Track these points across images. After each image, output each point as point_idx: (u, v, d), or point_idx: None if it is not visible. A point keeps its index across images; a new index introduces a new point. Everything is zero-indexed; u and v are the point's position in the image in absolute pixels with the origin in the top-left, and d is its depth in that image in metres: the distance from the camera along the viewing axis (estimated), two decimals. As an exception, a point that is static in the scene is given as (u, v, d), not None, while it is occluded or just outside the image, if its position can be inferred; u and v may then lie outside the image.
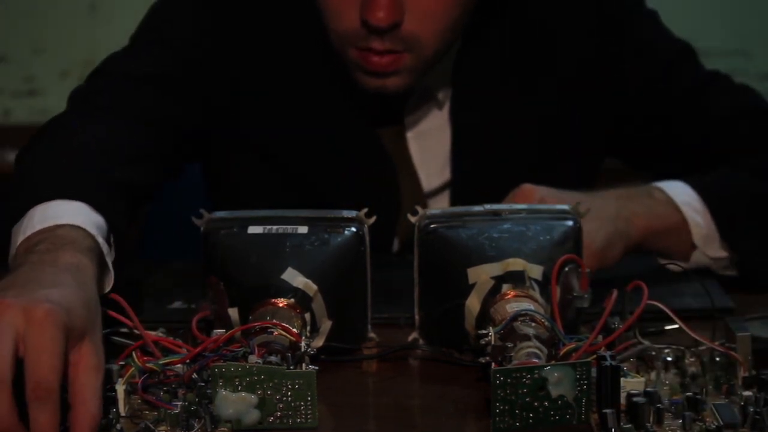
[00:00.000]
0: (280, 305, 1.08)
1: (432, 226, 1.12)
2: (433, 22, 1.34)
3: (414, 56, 1.35)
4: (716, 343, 1.06)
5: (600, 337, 1.03)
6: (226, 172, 1.53)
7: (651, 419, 0.95)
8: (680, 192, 1.36)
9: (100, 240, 1.10)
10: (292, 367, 0.98)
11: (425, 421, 1.02)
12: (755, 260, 1.35)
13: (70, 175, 1.17)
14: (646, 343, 1.08)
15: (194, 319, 1.09)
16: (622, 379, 0.98)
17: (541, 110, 1.47)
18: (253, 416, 0.96)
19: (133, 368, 1.01)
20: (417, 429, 1.01)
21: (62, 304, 0.92)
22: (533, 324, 1.01)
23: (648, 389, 0.98)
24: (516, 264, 1.09)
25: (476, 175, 1.47)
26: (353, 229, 1.13)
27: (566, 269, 1.09)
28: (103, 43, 1.50)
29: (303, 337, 1.03)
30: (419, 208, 1.14)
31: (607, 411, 0.94)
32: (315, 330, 1.10)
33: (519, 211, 1.14)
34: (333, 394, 1.03)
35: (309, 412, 0.97)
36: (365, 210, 1.14)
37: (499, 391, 0.94)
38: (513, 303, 1.05)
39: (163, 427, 0.96)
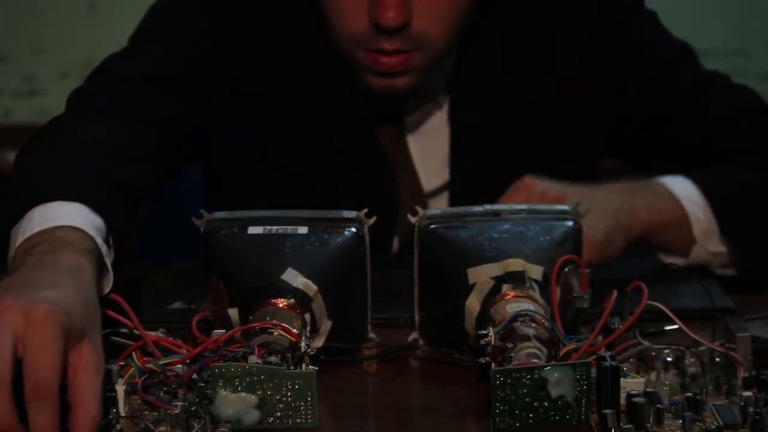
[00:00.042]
0: (280, 305, 1.08)
1: (432, 226, 1.12)
2: (441, 20, 1.34)
3: (423, 55, 1.36)
4: (716, 343, 1.06)
5: (600, 338, 1.03)
6: (226, 172, 1.53)
7: (651, 419, 0.95)
8: (681, 187, 1.36)
9: (99, 241, 1.10)
10: (292, 368, 0.98)
11: (425, 422, 1.02)
12: (753, 257, 1.35)
13: (69, 176, 1.18)
14: (646, 343, 1.08)
15: (194, 320, 1.09)
16: (622, 379, 0.98)
17: (541, 110, 1.47)
18: (253, 416, 0.96)
19: (133, 368, 1.01)
20: (417, 429, 1.01)
21: (61, 305, 0.93)
22: (533, 324, 1.01)
23: (648, 389, 0.98)
24: (516, 264, 1.09)
25: (475, 175, 1.47)
26: (353, 229, 1.13)
27: (566, 269, 1.09)
28: (103, 43, 1.50)
29: (303, 338, 1.03)
30: (419, 209, 1.14)
31: (607, 411, 0.94)
32: (315, 330, 1.10)
33: (519, 211, 1.14)
34: (333, 395, 1.03)
35: (309, 412, 0.97)
36: (365, 210, 1.14)
37: (499, 392, 0.94)
38: (513, 303, 1.05)
39: (163, 428, 0.96)
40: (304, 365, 1.00)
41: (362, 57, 1.36)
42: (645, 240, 1.33)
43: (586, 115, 1.48)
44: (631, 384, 0.98)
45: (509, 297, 1.07)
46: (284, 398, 0.96)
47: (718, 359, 1.05)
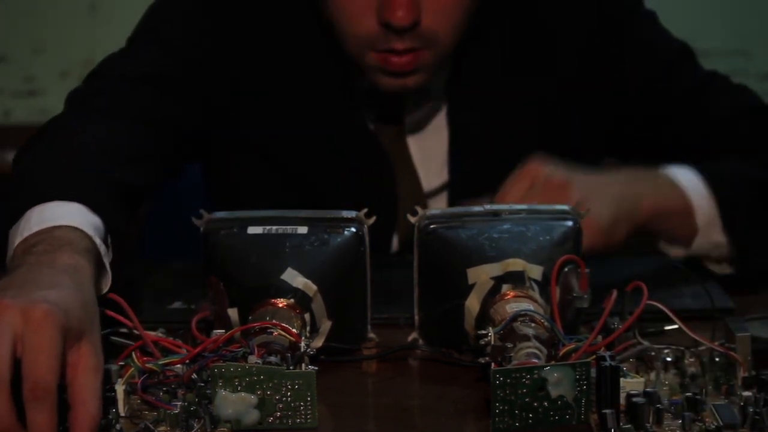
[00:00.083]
0: (280, 305, 1.08)
1: (432, 226, 1.12)
2: (449, 17, 1.35)
3: (432, 52, 1.36)
4: (716, 343, 1.06)
5: (599, 338, 1.03)
6: (225, 172, 1.53)
7: (650, 419, 0.95)
8: (685, 176, 1.35)
9: (98, 241, 1.10)
10: (291, 368, 0.98)
11: (425, 422, 1.02)
12: (752, 251, 1.35)
13: (68, 176, 1.18)
14: (646, 343, 1.08)
15: (194, 320, 1.09)
16: (621, 379, 0.98)
17: (541, 110, 1.47)
18: (252, 416, 0.96)
19: (132, 368, 1.01)
20: (417, 429, 1.01)
21: (60, 304, 0.93)
22: (533, 324, 1.01)
23: (647, 389, 0.98)
24: (516, 264, 1.09)
25: (474, 175, 1.47)
26: (353, 229, 1.13)
27: (566, 269, 1.09)
28: (103, 43, 1.50)
29: (303, 338, 1.03)
30: (419, 209, 1.14)
31: (607, 411, 0.94)
32: (315, 330, 1.10)
33: (519, 211, 1.14)
34: (333, 395, 1.03)
35: (309, 412, 0.97)
36: (365, 210, 1.14)
37: (498, 392, 0.94)
38: (513, 303, 1.05)
39: (162, 428, 0.96)
40: (303, 365, 1.00)
41: (372, 58, 1.36)
42: (648, 228, 1.33)
43: (585, 115, 1.48)
44: (631, 384, 0.98)
45: (509, 297, 1.07)
46: (284, 398, 0.96)
47: (717, 359, 1.05)
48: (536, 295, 1.07)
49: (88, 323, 0.95)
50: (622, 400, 0.97)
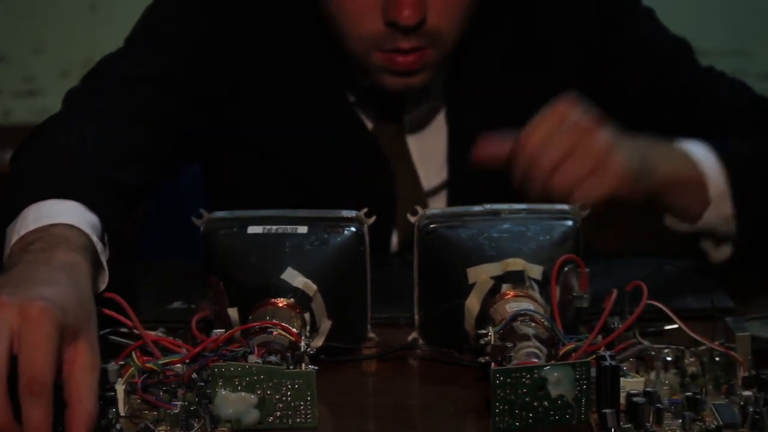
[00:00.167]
0: (280, 305, 1.08)
1: (432, 226, 1.12)
2: (453, 15, 1.35)
3: (437, 51, 1.36)
4: (716, 343, 1.06)
5: (600, 337, 1.04)
6: (225, 172, 1.53)
7: (651, 419, 0.95)
8: (698, 149, 1.34)
9: (95, 239, 1.10)
10: (291, 367, 0.98)
11: (425, 421, 1.02)
12: (760, 223, 1.34)
13: (65, 175, 1.18)
14: (646, 343, 1.08)
15: (194, 319, 1.09)
16: (621, 379, 0.98)
17: (539, 110, 1.47)
18: (252, 416, 0.96)
19: (132, 368, 1.01)
20: (417, 429, 1.01)
21: (57, 302, 0.93)
22: (533, 324, 1.01)
23: (648, 389, 0.98)
24: (516, 264, 1.09)
25: (473, 174, 1.47)
26: (353, 228, 1.13)
27: (566, 269, 1.09)
28: (103, 43, 1.50)
29: (303, 337, 1.03)
30: (419, 208, 1.14)
31: (607, 411, 0.94)
32: (315, 330, 1.10)
33: (519, 211, 1.14)
34: (333, 394, 1.03)
35: (309, 412, 0.97)
36: (365, 210, 1.14)
37: (498, 391, 0.94)
38: (513, 303, 1.05)
39: (162, 427, 0.96)
40: (303, 365, 1.00)
41: (377, 58, 1.36)
42: (661, 196, 1.30)
43: None
44: (631, 383, 0.98)
45: (509, 296, 1.07)
46: (284, 398, 0.96)
47: (717, 359, 1.05)
48: (536, 294, 1.07)
49: (84, 321, 0.95)
50: (622, 400, 0.97)
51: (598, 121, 1.23)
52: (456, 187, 1.48)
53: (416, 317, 1.15)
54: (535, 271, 1.09)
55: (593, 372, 0.97)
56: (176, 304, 1.28)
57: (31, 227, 1.08)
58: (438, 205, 1.48)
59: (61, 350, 0.91)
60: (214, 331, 1.07)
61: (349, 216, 1.14)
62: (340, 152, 1.47)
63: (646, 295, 1.05)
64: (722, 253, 1.36)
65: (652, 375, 1.05)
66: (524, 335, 0.99)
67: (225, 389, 0.96)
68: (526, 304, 1.04)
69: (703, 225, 1.34)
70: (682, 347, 1.08)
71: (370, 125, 1.47)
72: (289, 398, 0.96)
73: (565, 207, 1.14)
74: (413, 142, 1.48)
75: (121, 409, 0.99)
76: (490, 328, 1.01)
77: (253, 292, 1.09)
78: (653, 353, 1.07)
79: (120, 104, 1.35)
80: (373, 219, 1.14)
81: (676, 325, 1.07)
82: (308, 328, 1.08)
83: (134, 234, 1.84)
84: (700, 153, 1.33)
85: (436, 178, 1.49)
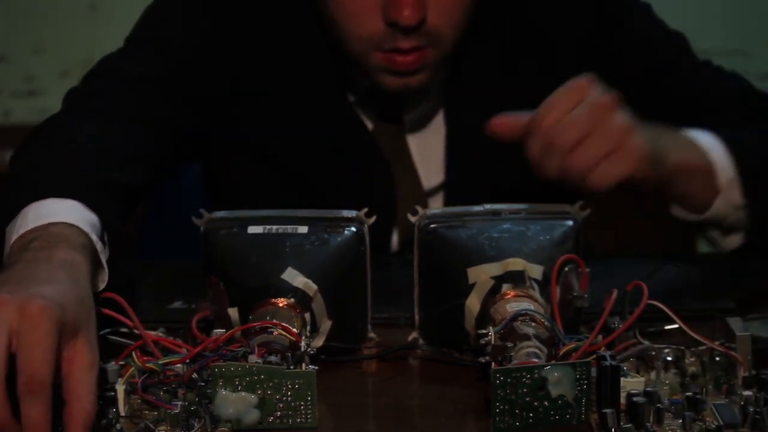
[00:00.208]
0: (280, 305, 1.08)
1: (432, 226, 1.12)
2: (453, 14, 1.35)
3: (437, 50, 1.36)
4: (716, 343, 1.06)
5: (600, 337, 1.04)
6: (225, 172, 1.53)
7: (651, 419, 0.95)
8: (704, 137, 1.33)
9: (94, 237, 1.10)
10: (292, 367, 0.98)
11: (425, 421, 1.02)
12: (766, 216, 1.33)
13: (64, 174, 1.18)
14: (646, 343, 1.08)
15: (194, 319, 1.09)
16: (622, 378, 0.98)
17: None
18: (253, 416, 0.96)
19: (133, 368, 1.01)
20: (417, 429, 1.01)
21: (56, 300, 0.93)
22: (533, 324, 1.01)
23: (648, 389, 0.98)
24: (516, 264, 1.09)
25: (470, 174, 1.47)
26: (353, 228, 1.13)
27: (566, 269, 1.09)
28: (103, 43, 1.50)
29: (303, 337, 1.03)
30: (419, 208, 1.14)
31: (607, 411, 0.94)
32: (315, 330, 1.10)
33: (519, 211, 1.14)
34: (333, 394, 1.03)
35: (309, 412, 0.97)
36: (365, 210, 1.14)
37: (499, 391, 0.94)
38: (513, 303, 1.05)
39: (163, 427, 0.96)
40: (304, 365, 1.00)
41: (377, 58, 1.36)
42: (671, 185, 1.29)
43: None
44: (631, 383, 0.98)
45: (509, 296, 1.07)
46: (284, 398, 0.96)
47: (718, 359, 1.05)
48: (536, 294, 1.07)
49: (83, 319, 0.95)
50: (623, 400, 0.97)
51: (616, 101, 1.21)
52: (453, 187, 1.48)
53: (416, 317, 1.15)
54: (536, 271, 1.09)
55: (593, 372, 0.97)
56: (176, 304, 1.28)
57: (31, 226, 1.09)
58: (438, 204, 1.48)
59: (60, 348, 0.91)
60: (215, 331, 1.07)
61: (350, 216, 1.14)
62: (340, 152, 1.47)
63: (646, 295, 1.05)
64: (731, 242, 1.35)
65: (653, 375, 1.05)
66: (524, 335, 0.99)
67: (225, 389, 0.96)
68: (526, 304, 1.04)
69: (712, 214, 1.32)
70: (682, 347, 1.08)
71: (370, 125, 1.47)
72: (289, 398, 0.96)
73: (565, 207, 1.14)
74: (413, 142, 1.48)
75: (121, 409, 0.99)
76: (491, 328, 1.01)
77: (253, 292, 1.09)
78: (653, 353, 1.07)
79: (120, 104, 1.35)
80: (373, 219, 1.14)
81: (676, 325, 1.07)
82: (308, 328, 1.08)
83: (134, 234, 1.84)
84: (708, 141, 1.32)
85: (436, 177, 1.49)
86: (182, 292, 1.29)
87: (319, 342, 1.11)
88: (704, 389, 1.01)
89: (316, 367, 0.98)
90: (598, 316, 1.05)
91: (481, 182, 1.46)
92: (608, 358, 0.97)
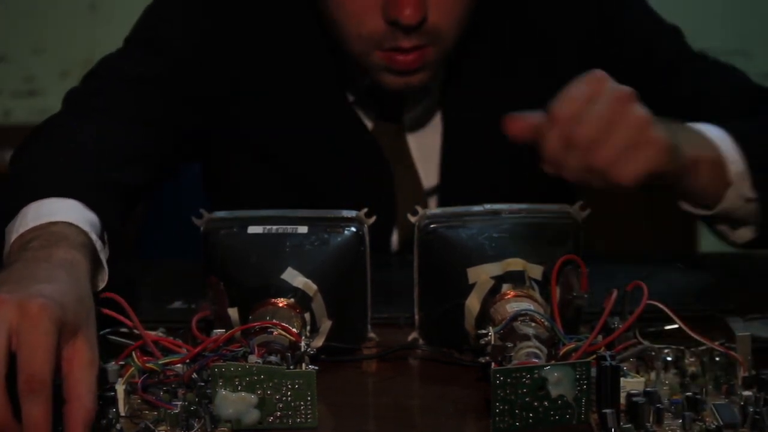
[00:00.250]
0: (280, 305, 1.08)
1: (432, 226, 1.12)
2: (453, 13, 1.35)
3: (437, 49, 1.36)
4: (716, 343, 1.06)
5: (600, 337, 1.04)
6: (225, 172, 1.53)
7: (651, 419, 0.95)
8: (712, 130, 1.31)
9: (94, 237, 1.10)
10: (291, 367, 0.98)
11: (425, 421, 1.02)
12: None
13: (64, 174, 1.18)
14: (646, 343, 1.08)
15: (194, 319, 1.09)
16: (621, 379, 0.98)
17: (533, 110, 1.47)
18: (252, 416, 0.96)
19: (132, 368, 1.01)
20: (417, 429, 1.01)
21: (56, 299, 0.93)
22: (533, 324, 1.01)
23: (648, 389, 0.98)
24: (516, 264, 1.09)
25: (465, 174, 1.47)
26: (353, 229, 1.13)
27: (566, 269, 1.09)
28: (103, 43, 1.50)
29: (303, 337, 1.03)
30: (419, 208, 1.14)
31: (607, 411, 0.94)
32: (315, 330, 1.10)
33: (519, 211, 1.14)
34: (333, 394, 1.03)
35: (309, 412, 0.97)
36: (365, 210, 1.14)
37: (499, 391, 0.94)
38: (513, 303, 1.05)
39: (163, 427, 0.96)
40: (303, 365, 1.00)
41: (377, 57, 1.36)
42: (681, 180, 1.26)
43: None
44: (631, 383, 0.98)
45: (509, 296, 1.07)
46: (284, 398, 0.96)
47: (718, 359, 1.05)
48: (536, 294, 1.07)
49: (83, 318, 0.95)
50: (623, 400, 0.97)
51: (633, 94, 1.17)
52: (448, 186, 1.47)
53: (416, 317, 1.15)
54: (535, 271, 1.09)
55: (593, 372, 0.97)
56: (176, 304, 1.28)
57: (31, 225, 1.09)
58: (437, 204, 1.48)
59: (60, 347, 0.91)
60: (214, 331, 1.07)
61: (349, 216, 1.14)
62: (340, 152, 1.47)
63: (646, 295, 1.05)
64: (742, 235, 1.33)
65: (652, 375, 1.05)
66: (524, 335, 0.99)
67: (225, 389, 0.96)
68: (526, 304, 1.04)
69: (723, 207, 1.30)
70: (682, 347, 1.08)
71: (369, 125, 1.47)
72: (289, 398, 0.96)
73: (565, 207, 1.14)
74: (413, 141, 1.49)
75: (121, 409, 0.99)
76: (491, 328, 1.01)
77: (253, 292, 1.09)
78: (653, 353, 1.07)
79: (119, 104, 1.35)
80: (373, 219, 1.14)
81: (676, 325, 1.07)
82: (308, 328, 1.08)
83: (134, 234, 1.84)
84: (716, 134, 1.30)
85: (435, 177, 1.49)
86: (182, 292, 1.29)
87: (319, 342, 1.11)
88: (704, 389, 1.01)
89: (316, 367, 0.98)
90: (598, 316, 1.05)
91: (476, 182, 1.46)
92: (608, 358, 0.97)
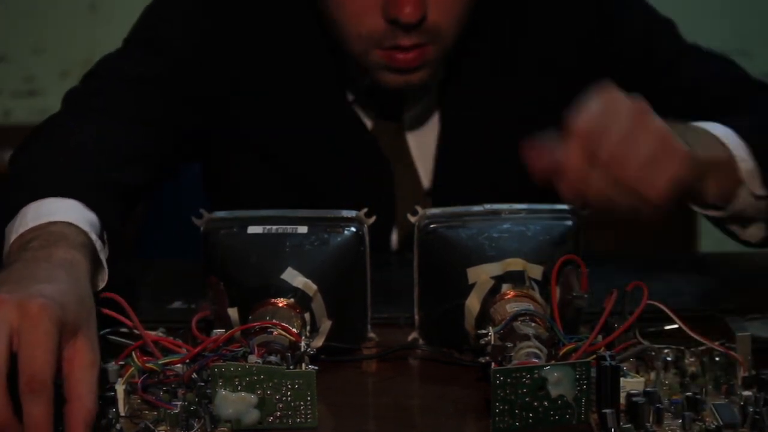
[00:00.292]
0: (280, 305, 1.08)
1: (432, 226, 1.12)
2: (453, 11, 1.35)
3: (437, 47, 1.36)
4: (716, 343, 1.06)
5: (600, 337, 1.04)
6: (225, 172, 1.53)
7: (651, 419, 0.95)
8: (718, 129, 1.28)
9: (93, 237, 1.10)
10: (291, 367, 0.98)
11: (425, 421, 1.02)
12: None
13: (63, 174, 1.18)
14: (646, 343, 1.08)
15: (194, 319, 1.09)
16: (621, 379, 0.98)
17: (540, 111, 1.47)
18: (252, 416, 0.96)
19: (132, 368, 1.01)
20: (417, 429, 1.01)
21: (56, 299, 0.93)
22: (533, 324, 1.01)
23: (648, 389, 0.98)
24: (516, 264, 1.09)
25: (460, 174, 1.47)
26: (353, 228, 1.13)
27: (566, 269, 1.09)
28: (103, 43, 1.50)
29: (303, 337, 1.03)
30: (419, 208, 1.14)
31: (607, 411, 0.94)
32: (315, 330, 1.10)
33: (519, 211, 1.14)
34: (333, 394, 1.03)
35: (309, 412, 0.97)
36: (365, 210, 1.14)
37: (498, 391, 0.94)
38: (513, 303, 1.05)
39: (162, 427, 0.96)
40: (303, 365, 1.00)
41: (377, 56, 1.36)
42: (696, 184, 1.22)
43: None
44: (631, 383, 0.98)
45: (509, 296, 1.07)
46: (284, 398, 0.96)
47: (717, 359, 1.05)
48: (536, 294, 1.07)
49: (84, 318, 0.95)
50: (622, 400, 0.97)
51: (648, 106, 1.14)
52: (441, 186, 1.47)
53: (416, 317, 1.15)
54: (535, 271, 1.09)
55: (593, 372, 0.97)
56: (176, 304, 1.28)
57: (30, 225, 1.09)
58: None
59: (60, 347, 0.91)
60: (214, 331, 1.07)
61: (349, 216, 1.14)
62: (340, 152, 1.47)
63: (646, 295, 1.05)
64: (753, 234, 1.31)
65: (652, 375, 1.05)
66: (524, 335, 0.99)
67: (225, 389, 0.96)
68: (526, 304, 1.04)
69: (736, 207, 1.28)
70: (682, 347, 1.08)
71: (369, 124, 1.47)
72: (289, 398, 0.96)
73: (565, 207, 1.14)
74: (412, 140, 1.49)
75: (121, 409, 0.99)
76: (490, 328, 1.01)
77: (253, 292, 1.09)
78: (653, 353, 1.07)
79: (119, 104, 1.35)
80: (373, 219, 1.14)
81: (676, 325, 1.07)
82: (308, 328, 1.08)
83: (134, 234, 1.84)
84: (722, 132, 1.28)
85: (431, 176, 1.49)
86: (182, 292, 1.29)
87: (319, 342, 1.11)
88: (704, 389, 1.01)
89: (316, 367, 0.98)
90: (598, 316, 1.05)
91: (471, 181, 1.46)
92: (608, 358, 0.97)
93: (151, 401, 0.99)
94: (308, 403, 0.97)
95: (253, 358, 0.98)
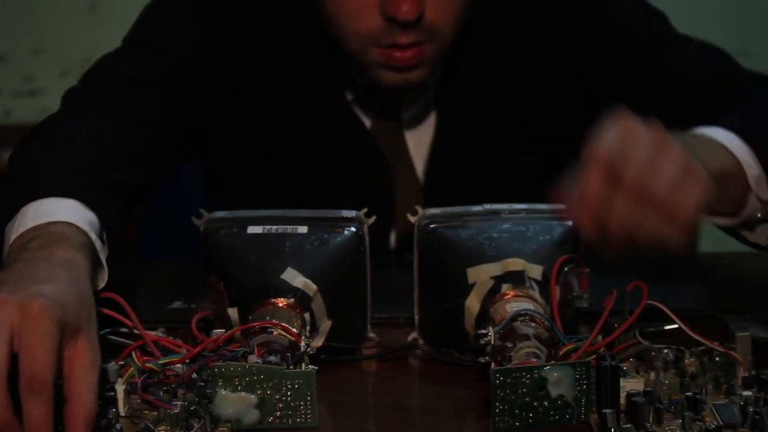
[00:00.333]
0: (280, 305, 1.08)
1: (432, 225, 1.12)
2: (451, 9, 1.35)
3: (435, 45, 1.36)
4: (716, 343, 1.06)
5: (600, 337, 1.04)
6: (225, 172, 1.53)
7: (650, 419, 0.95)
8: (722, 135, 1.25)
9: (93, 236, 1.10)
10: (291, 367, 0.98)
11: (425, 421, 1.02)
12: None
13: (63, 174, 1.18)
14: (646, 343, 1.08)
15: (194, 319, 1.09)
16: (621, 379, 0.98)
17: (528, 109, 1.47)
18: (252, 416, 0.96)
19: (132, 368, 1.01)
20: (417, 429, 1.01)
21: (57, 299, 0.93)
22: (533, 324, 1.01)
23: (647, 389, 0.98)
24: (516, 264, 1.09)
25: (454, 173, 1.47)
26: (353, 228, 1.13)
27: (566, 269, 1.09)
28: (103, 43, 1.50)
29: (303, 337, 1.03)
30: (419, 208, 1.14)
31: (607, 411, 0.94)
32: (315, 330, 1.10)
33: (519, 211, 1.14)
34: (333, 394, 1.03)
35: (309, 412, 0.97)
36: (365, 210, 1.14)
37: (498, 391, 0.94)
38: (513, 303, 1.05)
39: (162, 427, 0.96)
40: (303, 365, 1.00)
41: (375, 54, 1.36)
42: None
43: (570, 116, 1.47)
44: (631, 383, 0.98)
45: (509, 296, 1.07)
46: (284, 398, 0.96)
47: (717, 359, 1.05)
48: (536, 294, 1.07)
49: (84, 318, 0.95)
50: (622, 400, 0.97)
51: (666, 133, 1.11)
52: (433, 184, 1.47)
53: (416, 317, 1.15)
54: (535, 271, 1.09)
55: (593, 372, 0.97)
56: (176, 304, 1.28)
57: (30, 225, 1.09)
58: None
59: (61, 348, 0.91)
60: (214, 331, 1.07)
61: (349, 216, 1.14)
62: (340, 151, 1.47)
63: (646, 295, 1.05)
64: (762, 236, 1.30)
65: (652, 375, 1.05)
66: (524, 335, 0.99)
67: (225, 389, 0.96)
68: (526, 304, 1.04)
69: (747, 214, 1.26)
70: (682, 347, 1.08)
71: (368, 123, 1.47)
72: (289, 398, 0.96)
73: (565, 207, 1.14)
74: (411, 139, 1.49)
75: (121, 409, 0.99)
76: (490, 328, 1.01)
77: (253, 292, 1.09)
78: (653, 353, 1.07)
79: (118, 104, 1.35)
80: (372, 219, 1.14)
81: (676, 325, 1.07)
82: (308, 328, 1.08)
83: (134, 234, 1.84)
84: (727, 138, 1.25)
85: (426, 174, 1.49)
86: (182, 292, 1.29)
87: (318, 342, 1.11)
88: (704, 389, 1.01)
89: (316, 367, 0.98)
90: (598, 316, 1.05)
91: (464, 180, 1.46)
92: (608, 358, 0.97)
93: (151, 401, 0.99)
94: (308, 403, 0.97)
95: (253, 358, 0.98)
